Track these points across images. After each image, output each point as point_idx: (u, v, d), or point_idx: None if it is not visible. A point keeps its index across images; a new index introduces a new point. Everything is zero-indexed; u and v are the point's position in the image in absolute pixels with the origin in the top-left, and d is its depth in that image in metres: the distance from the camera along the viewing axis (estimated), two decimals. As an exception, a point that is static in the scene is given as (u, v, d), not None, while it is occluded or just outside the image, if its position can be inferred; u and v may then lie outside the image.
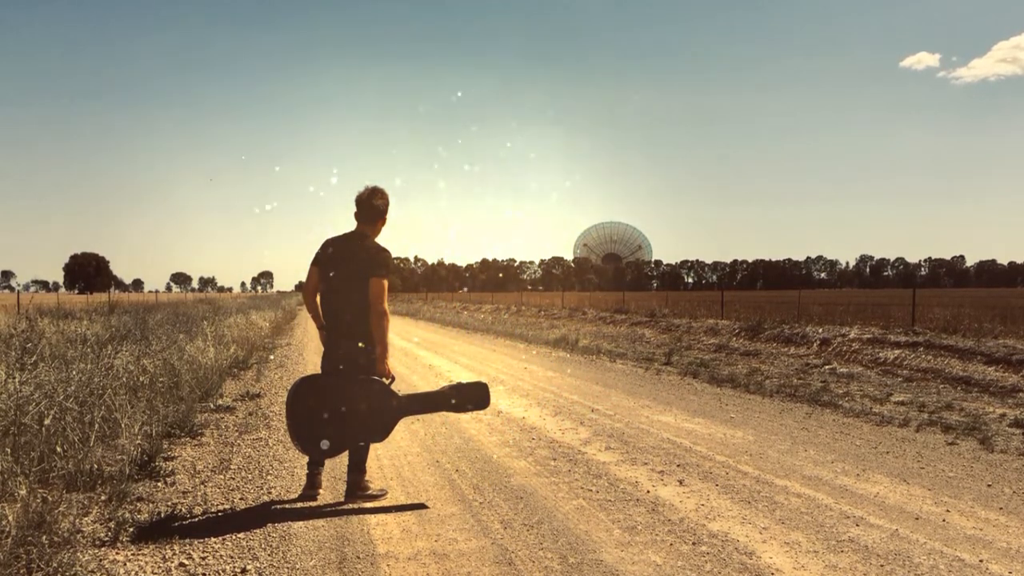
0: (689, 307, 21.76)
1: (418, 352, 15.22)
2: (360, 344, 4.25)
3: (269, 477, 4.85)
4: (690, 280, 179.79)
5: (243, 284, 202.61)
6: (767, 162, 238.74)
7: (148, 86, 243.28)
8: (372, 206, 4.43)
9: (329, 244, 4.47)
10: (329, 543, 3.64)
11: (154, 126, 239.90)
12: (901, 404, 7.92)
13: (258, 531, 3.77)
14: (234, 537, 3.68)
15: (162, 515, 3.96)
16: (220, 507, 4.19)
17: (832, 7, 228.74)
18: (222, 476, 4.85)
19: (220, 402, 7.62)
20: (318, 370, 4.52)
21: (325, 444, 4.24)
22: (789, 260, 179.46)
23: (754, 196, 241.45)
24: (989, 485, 4.74)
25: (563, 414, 7.35)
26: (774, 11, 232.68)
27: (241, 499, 4.36)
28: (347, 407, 4.24)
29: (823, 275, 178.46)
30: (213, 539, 3.63)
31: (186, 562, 3.35)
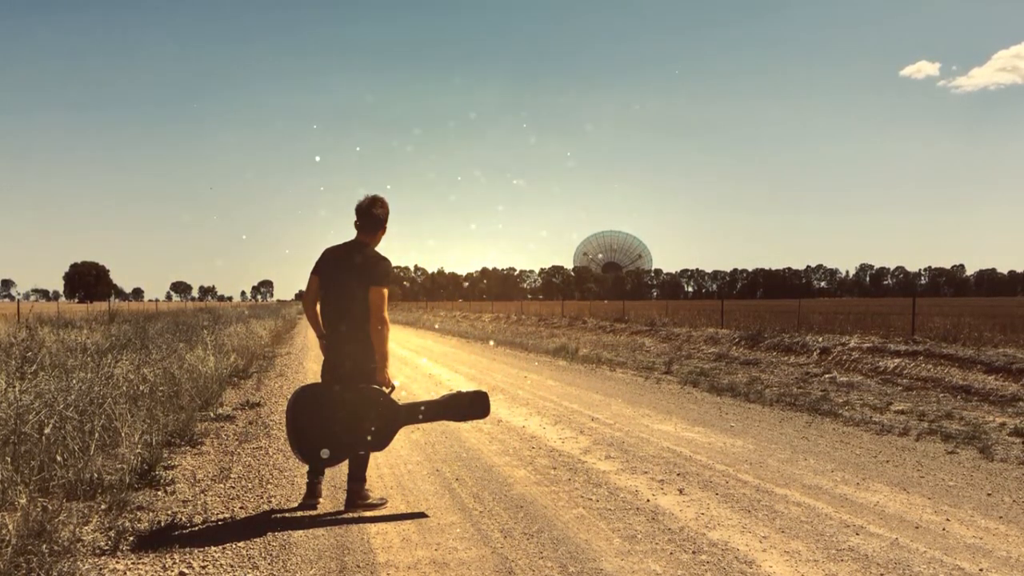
0: (689, 316, 21.73)
1: (418, 361, 15.23)
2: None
3: (269, 486, 4.85)
4: (690, 289, 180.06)
5: (243, 293, 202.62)
6: (767, 171, 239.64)
7: (149, 95, 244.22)
8: (372, 215, 4.44)
9: (329, 253, 4.48)
10: (329, 552, 3.64)
11: (154, 135, 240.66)
12: (901, 413, 7.92)
13: (258, 540, 3.77)
14: (234, 546, 3.68)
15: (162, 524, 3.96)
16: (220, 516, 4.19)
17: (832, 16, 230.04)
18: (222, 485, 4.85)
19: (220, 411, 7.62)
20: (318, 379, 4.53)
21: (325, 453, 4.25)
22: (789, 269, 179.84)
23: (754, 205, 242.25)
24: (989, 494, 4.74)
25: (563, 423, 7.35)
26: (774, 20, 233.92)
27: (241, 508, 4.36)
28: (347, 416, 4.25)
29: (823, 284, 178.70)
30: (213, 548, 3.63)
31: (186, 571, 3.34)
